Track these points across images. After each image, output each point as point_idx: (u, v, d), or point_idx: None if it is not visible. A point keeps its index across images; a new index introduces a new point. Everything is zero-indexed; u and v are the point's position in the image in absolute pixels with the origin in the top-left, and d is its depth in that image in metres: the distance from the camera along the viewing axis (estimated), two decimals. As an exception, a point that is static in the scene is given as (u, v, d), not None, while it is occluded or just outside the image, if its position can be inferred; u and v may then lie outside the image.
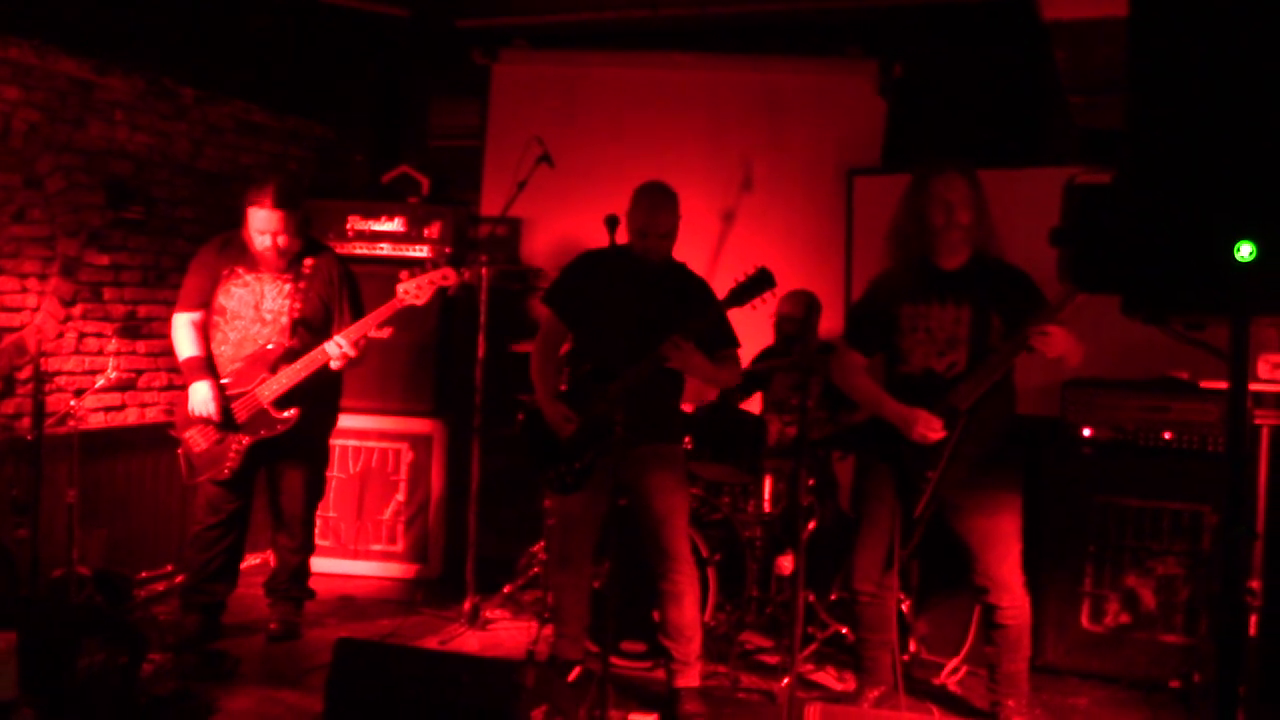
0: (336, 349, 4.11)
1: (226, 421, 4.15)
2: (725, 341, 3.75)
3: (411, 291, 4.17)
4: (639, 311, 3.66)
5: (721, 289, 3.62)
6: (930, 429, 3.43)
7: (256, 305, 4.23)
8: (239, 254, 4.25)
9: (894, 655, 3.67)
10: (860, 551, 3.69)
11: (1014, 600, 3.53)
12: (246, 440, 4.17)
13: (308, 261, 4.28)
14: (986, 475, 3.50)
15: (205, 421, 4.14)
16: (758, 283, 3.52)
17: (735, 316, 3.72)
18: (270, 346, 4.18)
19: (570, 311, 3.85)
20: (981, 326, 3.46)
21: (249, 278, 4.24)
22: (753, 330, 4.98)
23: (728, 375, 3.80)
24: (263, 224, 4.12)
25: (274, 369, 4.15)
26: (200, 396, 4.12)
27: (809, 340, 4.76)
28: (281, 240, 4.15)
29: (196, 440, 4.19)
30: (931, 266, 3.55)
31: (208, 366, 4.19)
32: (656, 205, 3.69)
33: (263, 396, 4.14)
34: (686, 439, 4.30)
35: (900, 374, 3.58)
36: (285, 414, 4.15)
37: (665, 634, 3.73)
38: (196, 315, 4.26)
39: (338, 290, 4.30)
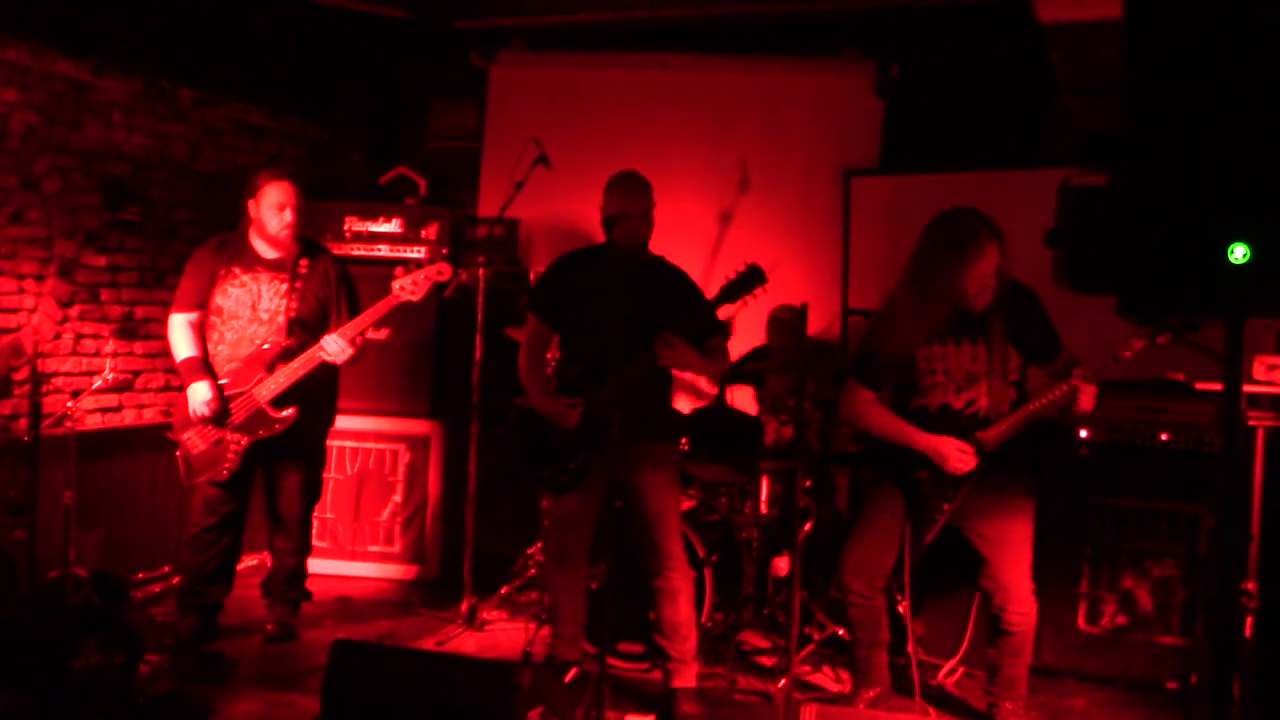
0: (334, 346, 4.11)
1: (224, 422, 4.16)
2: (713, 330, 3.75)
3: (407, 288, 4.17)
4: (626, 308, 3.66)
5: (715, 289, 3.60)
6: (963, 461, 3.41)
7: (253, 305, 4.23)
8: (235, 254, 4.25)
9: (894, 657, 3.67)
10: (855, 550, 3.67)
11: (1021, 607, 3.51)
12: (245, 441, 4.17)
13: (304, 261, 4.28)
14: (1002, 479, 3.49)
15: (204, 422, 4.14)
16: (748, 279, 3.50)
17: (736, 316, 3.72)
18: (267, 346, 4.17)
19: (555, 314, 3.85)
20: (999, 361, 3.44)
21: (245, 278, 4.24)
22: (753, 330, 5.00)
23: (719, 365, 3.83)
24: (280, 196, 4.17)
25: (271, 369, 4.15)
26: (199, 397, 4.11)
27: (801, 341, 4.75)
28: (298, 216, 4.20)
29: (195, 441, 4.19)
30: (955, 310, 3.48)
31: (205, 367, 4.19)
32: (631, 188, 3.72)
33: (260, 396, 4.14)
34: (684, 440, 4.30)
35: (915, 407, 3.54)
36: (283, 413, 4.15)
37: (661, 633, 3.73)
38: (193, 316, 4.26)
39: (334, 289, 4.30)
